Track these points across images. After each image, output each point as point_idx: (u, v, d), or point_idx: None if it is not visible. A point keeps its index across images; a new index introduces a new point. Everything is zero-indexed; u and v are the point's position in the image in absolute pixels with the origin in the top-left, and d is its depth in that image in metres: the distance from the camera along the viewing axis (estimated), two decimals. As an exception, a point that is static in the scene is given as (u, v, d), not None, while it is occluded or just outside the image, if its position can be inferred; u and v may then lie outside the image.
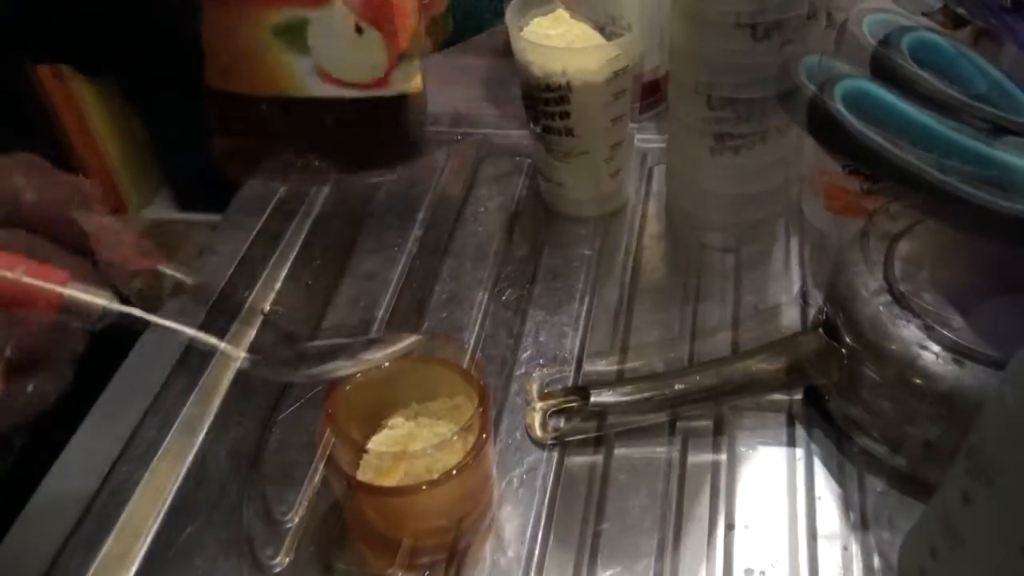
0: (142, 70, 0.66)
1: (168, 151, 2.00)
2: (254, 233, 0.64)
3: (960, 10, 0.37)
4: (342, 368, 0.45)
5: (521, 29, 0.56)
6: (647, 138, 0.67)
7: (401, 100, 0.38)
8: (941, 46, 0.30)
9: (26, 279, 0.38)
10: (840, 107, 0.27)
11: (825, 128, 0.27)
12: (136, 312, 0.41)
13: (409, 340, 0.50)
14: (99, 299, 0.40)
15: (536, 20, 0.58)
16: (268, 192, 0.67)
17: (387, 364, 0.46)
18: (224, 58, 0.36)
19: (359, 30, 0.35)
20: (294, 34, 0.35)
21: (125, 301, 0.41)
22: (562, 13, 0.58)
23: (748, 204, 0.56)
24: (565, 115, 0.56)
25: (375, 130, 0.37)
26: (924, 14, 0.39)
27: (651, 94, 0.67)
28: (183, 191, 2.11)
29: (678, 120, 0.55)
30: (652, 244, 0.61)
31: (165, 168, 2.11)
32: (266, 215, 0.66)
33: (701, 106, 0.52)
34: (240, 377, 0.54)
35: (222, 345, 0.47)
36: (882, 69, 0.29)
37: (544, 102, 0.56)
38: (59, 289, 0.39)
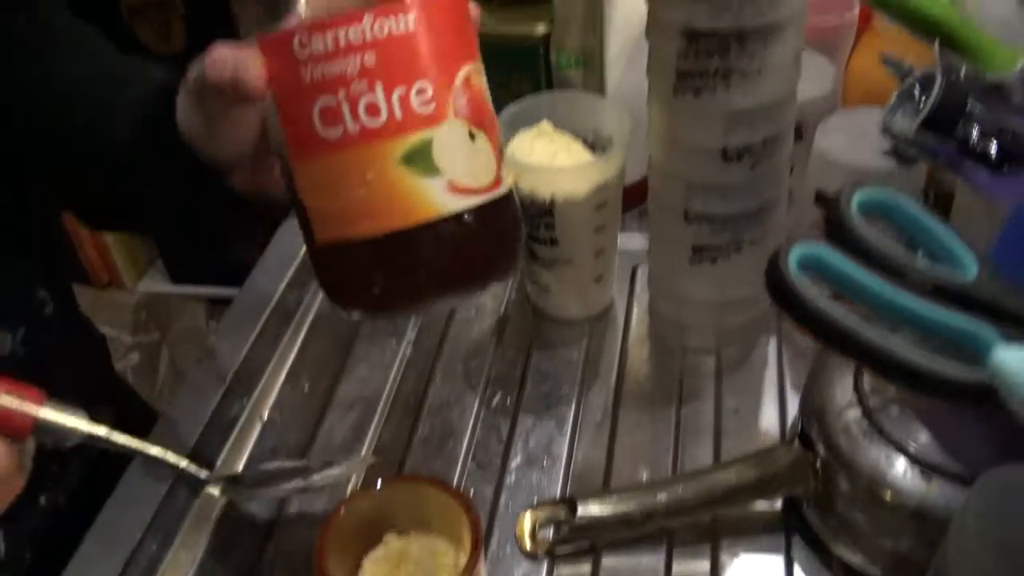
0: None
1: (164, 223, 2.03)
2: (255, 334, 0.66)
3: (911, 152, 0.39)
4: (295, 489, 0.50)
5: (506, 144, 0.59)
6: (631, 237, 0.69)
7: (511, 195, 0.39)
8: (889, 201, 0.32)
9: (3, 398, 0.39)
10: (793, 271, 0.29)
11: (778, 292, 0.29)
12: (103, 433, 0.43)
13: (361, 462, 0.53)
14: (74, 421, 0.42)
15: (521, 133, 0.60)
16: (268, 290, 0.70)
17: (380, 485, 0.47)
18: (341, 207, 0.36)
19: (472, 136, 0.36)
20: (423, 156, 0.35)
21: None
22: (546, 126, 0.60)
23: (727, 309, 0.58)
24: (549, 226, 0.58)
25: (499, 232, 0.38)
26: (885, 151, 0.42)
27: (635, 195, 0.70)
28: (176, 264, 2.14)
29: (657, 231, 0.58)
30: (637, 346, 0.63)
31: (158, 242, 2.14)
32: (265, 316, 0.68)
33: (679, 219, 0.54)
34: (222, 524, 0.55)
35: (183, 463, 0.49)
36: (835, 229, 0.31)
37: (529, 215, 0.58)
38: (36, 411, 0.40)
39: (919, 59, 0.49)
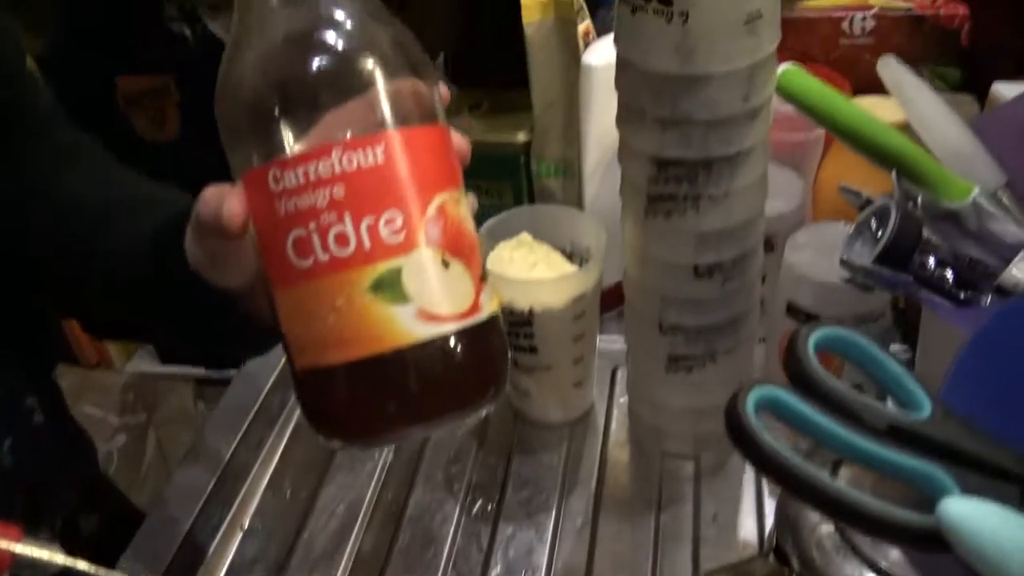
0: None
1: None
2: (237, 439, 0.67)
3: (869, 283, 0.41)
4: None
5: (487, 255, 0.61)
6: (610, 338, 0.70)
7: (492, 321, 0.38)
8: (846, 339, 0.34)
9: None
10: (750, 414, 0.30)
11: (736, 435, 0.30)
12: (82, 566, 0.42)
13: None
14: (51, 555, 0.42)
15: (502, 244, 0.62)
16: (252, 394, 0.71)
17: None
18: (314, 334, 0.36)
19: (445, 264, 0.36)
20: (391, 284, 0.35)
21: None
22: (526, 237, 0.62)
23: (704, 416, 0.59)
24: (528, 335, 0.59)
25: (477, 359, 0.38)
26: (844, 280, 0.44)
27: (614, 297, 0.71)
28: (165, 345, 2.14)
29: (634, 340, 0.59)
30: (617, 450, 0.63)
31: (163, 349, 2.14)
32: (249, 419, 0.68)
33: (654, 330, 0.56)
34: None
35: None
36: (792, 370, 0.32)
37: (508, 323, 0.60)
38: (14, 547, 0.40)
39: (883, 177, 0.51)
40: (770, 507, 0.57)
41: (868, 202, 0.44)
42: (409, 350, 0.35)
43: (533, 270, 0.61)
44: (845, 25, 0.76)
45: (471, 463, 0.63)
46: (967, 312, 0.40)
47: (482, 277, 0.39)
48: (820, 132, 0.64)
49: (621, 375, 0.69)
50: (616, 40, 0.49)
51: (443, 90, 0.40)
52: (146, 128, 1.64)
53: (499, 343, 0.40)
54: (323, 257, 0.35)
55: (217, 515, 0.62)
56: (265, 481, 0.65)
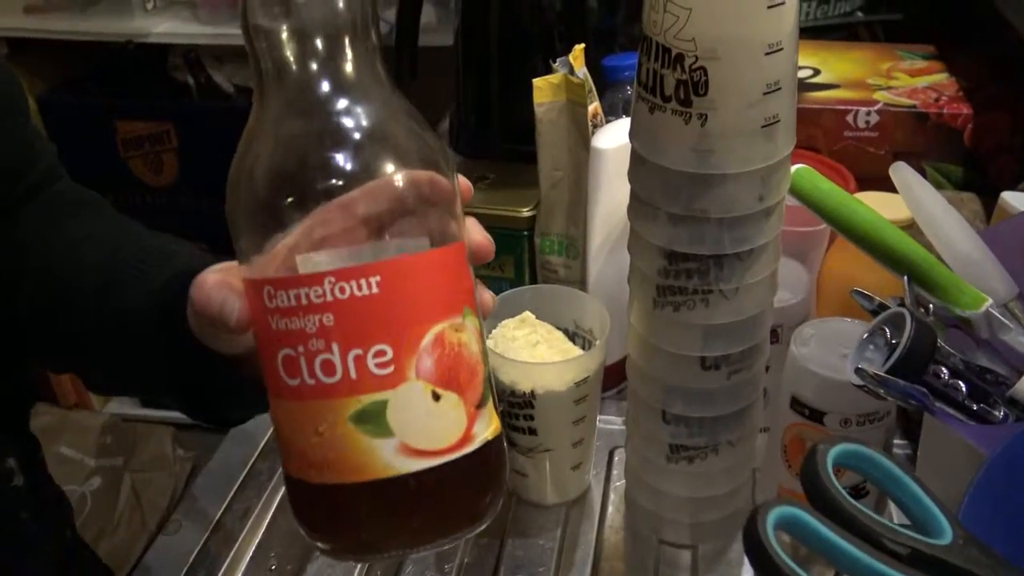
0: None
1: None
2: (223, 507, 0.65)
3: (881, 392, 0.41)
4: None
5: (489, 333, 0.60)
6: (608, 419, 0.70)
7: (486, 448, 0.37)
8: (864, 456, 0.34)
9: None
10: (770, 536, 0.30)
11: (755, 556, 0.29)
12: None
13: None
14: None
15: (505, 322, 0.62)
16: (239, 460, 0.69)
17: None
18: (299, 449, 0.36)
19: (436, 397, 0.35)
20: (374, 417, 0.34)
21: None
22: (529, 316, 0.62)
23: (704, 505, 0.59)
24: (529, 417, 0.59)
25: (462, 490, 0.37)
26: (856, 386, 0.43)
27: (614, 377, 0.71)
28: (168, 404, 2.11)
29: (635, 427, 0.59)
30: (612, 536, 0.62)
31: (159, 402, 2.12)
32: (235, 487, 0.67)
33: (656, 419, 0.55)
34: None
35: None
36: (810, 489, 0.32)
37: (509, 404, 0.59)
38: None
39: (888, 273, 0.51)
40: (768, 605, 0.56)
41: (881, 307, 0.44)
42: (388, 483, 0.35)
43: (535, 349, 0.60)
44: (849, 118, 0.78)
45: (463, 543, 0.62)
46: (987, 433, 0.40)
47: (480, 402, 0.37)
48: (826, 226, 0.64)
49: (619, 457, 0.68)
50: (632, 136, 0.49)
51: (464, 185, 0.40)
52: (144, 172, 1.65)
53: (492, 469, 0.38)
54: (309, 381, 0.35)
55: (199, 591, 0.60)
56: (251, 552, 0.63)
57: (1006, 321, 0.44)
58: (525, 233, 0.77)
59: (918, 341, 0.41)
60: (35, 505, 0.62)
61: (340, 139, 0.36)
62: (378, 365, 0.34)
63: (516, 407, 0.59)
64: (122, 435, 1.98)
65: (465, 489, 0.37)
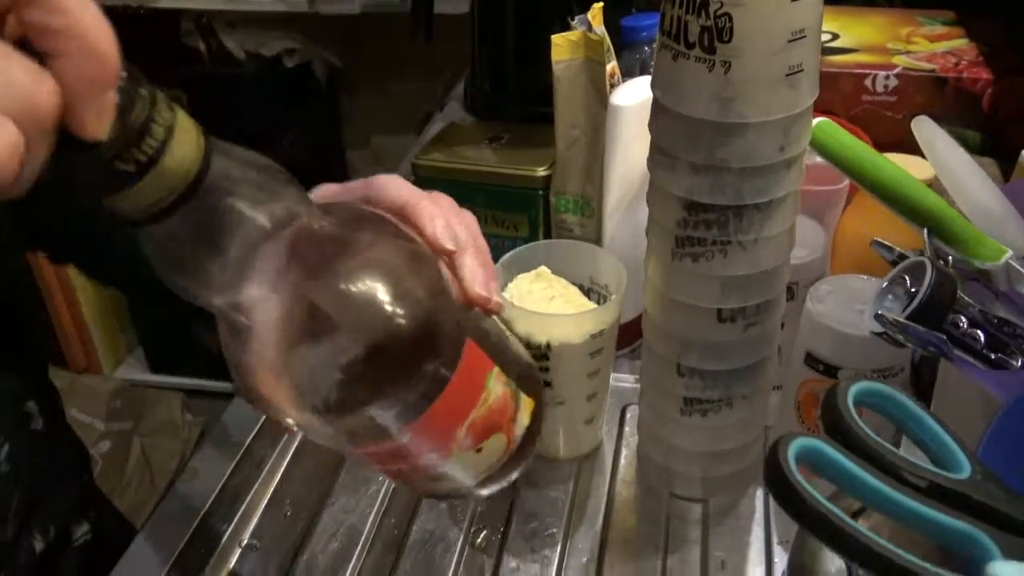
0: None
1: (143, 313, 2.03)
2: (239, 456, 0.66)
3: (900, 338, 0.41)
4: None
5: (505, 287, 0.61)
6: (621, 377, 0.70)
7: (528, 430, 0.47)
8: (884, 394, 0.34)
9: None
10: (792, 466, 0.30)
11: (776, 486, 0.30)
12: None
13: None
14: None
15: (520, 276, 0.62)
16: (251, 415, 0.70)
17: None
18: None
19: (479, 451, 0.44)
20: (435, 478, 0.46)
21: None
22: (544, 271, 0.62)
23: (716, 460, 0.59)
24: (544, 369, 0.59)
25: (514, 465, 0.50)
26: (874, 333, 0.44)
27: (628, 335, 0.71)
28: (155, 353, 2.13)
29: (649, 380, 0.59)
30: (624, 489, 0.63)
31: (139, 329, 2.13)
32: (251, 437, 0.68)
33: (672, 372, 0.56)
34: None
35: None
36: (831, 424, 0.32)
37: (525, 356, 0.59)
38: None
39: (907, 231, 0.51)
40: (779, 555, 0.57)
41: (901, 257, 0.45)
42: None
43: (551, 304, 0.61)
44: (868, 82, 0.77)
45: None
46: (999, 377, 0.40)
47: (514, 417, 0.45)
48: (844, 184, 0.64)
49: (631, 415, 0.69)
50: (654, 84, 0.49)
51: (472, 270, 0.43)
52: None
53: (534, 432, 0.48)
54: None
55: (215, 531, 0.61)
56: (265, 500, 0.64)
57: (1025, 273, 0.44)
58: (540, 192, 0.77)
59: (938, 288, 0.41)
60: (54, 448, 0.63)
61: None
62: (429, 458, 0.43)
63: (532, 358, 0.59)
64: (131, 400, 1.99)
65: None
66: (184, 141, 0.28)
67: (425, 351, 0.38)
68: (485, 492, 0.48)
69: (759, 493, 0.61)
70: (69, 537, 0.65)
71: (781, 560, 0.56)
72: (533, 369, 0.50)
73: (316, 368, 0.36)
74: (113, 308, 2.13)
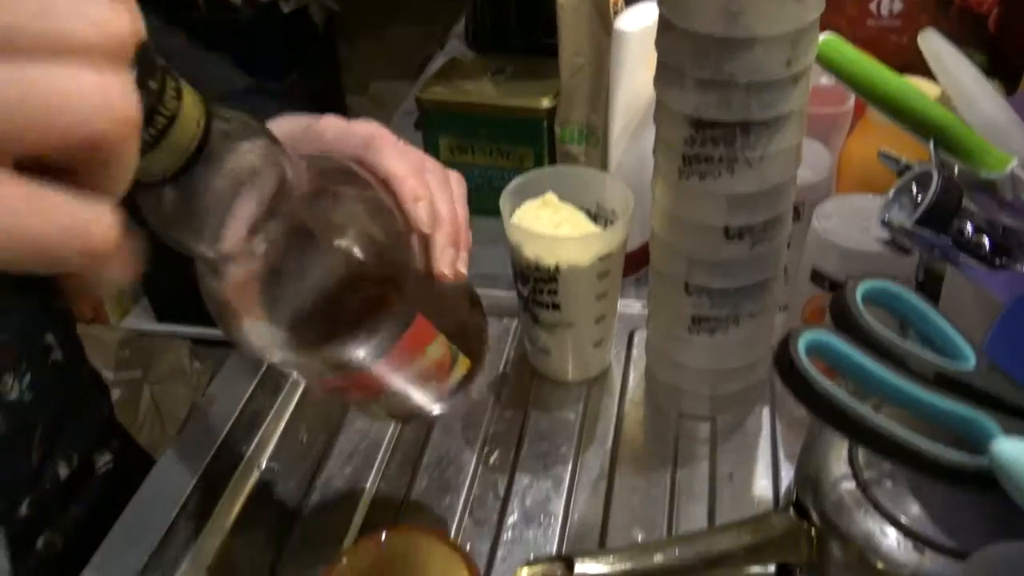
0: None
1: (149, 262, 2.04)
2: (254, 383, 0.67)
3: (908, 244, 0.42)
4: None
5: (513, 212, 0.61)
6: (629, 302, 0.71)
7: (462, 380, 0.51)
8: (892, 292, 0.35)
9: None
10: (802, 356, 0.31)
11: (789, 376, 0.31)
12: None
13: None
14: None
15: (527, 203, 0.63)
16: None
17: (382, 535, 0.49)
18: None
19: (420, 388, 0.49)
20: (369, 403, 0.50)
21: None
22: (551, 197, 0.63)
23: (723, 378, 0.60)
24: (553, 292, 0.60)
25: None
26: (882, 241, 0.44)
27: (635, 262, 0.72)
28: (161, 303, 2.14)
29: (657, 300, 0.60)
30: (633, 410, 0.64)
31: (145, 279, 2.15)
32: (266, 364, 0.69)
33: (679, 291, 0.57)
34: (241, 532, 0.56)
35: None
36: (840, 318, 0.33)
37: (533, 280, 0.60)
38: None
39: (911, 151, 0.52)
40: (785, 469, 0.58)
41: (907, 168, 0.45)
42: None
43: (558, 230, 0.61)
44: (872, 6, 0.77)
45: (488, 417, 0.64)
46: (1001, 277, 0.41)
47: (448, 372, 0.49)
48: (849, 106, 0.64)
49: (638, 339, 0.70)
50: (660, 1, 0.49)
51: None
52: None
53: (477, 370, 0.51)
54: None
55: (233, 455, 0.62)
56: (282, 425, 0.66)
57: (1029, 181, 0.44)
58: (544, 124, 0.77)
59: (945, 194, 0.41)
60: (73, 380, 0.64)
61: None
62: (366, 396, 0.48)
63: (540, 282, 0.60)
64: (139, 349, 2.01)
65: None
66: (188, 113, 0.29)
67: (378, 300, 0.41)
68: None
69: (766, 411, 0.63)
70: (92, 465, 0.66)
71: (787, 473, 0.58)
72: (482, 331, 0.54)
73: (287, 306, 0.39)
74: (117, 258, 2.14)
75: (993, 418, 0.31)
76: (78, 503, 0.63)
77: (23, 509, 0.58)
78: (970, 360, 0.33)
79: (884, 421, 0.30)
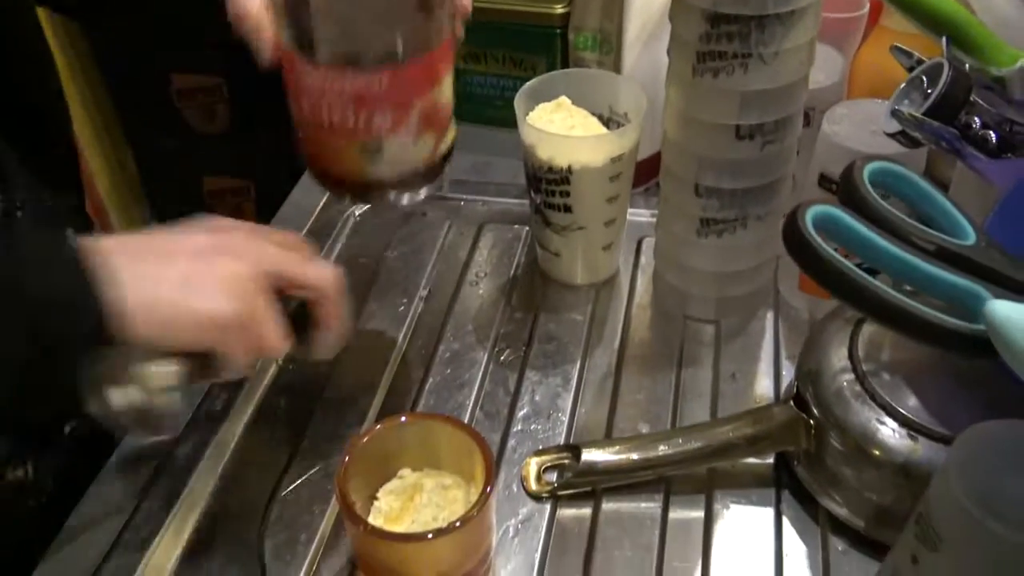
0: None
1: (157, 188, 2.04)
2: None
3: (916, 134, 0.43)
4: None
5: (526, 115, 0.62)
6: (637, 211, 0.72)
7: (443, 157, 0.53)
8: (897, 173, 0.36)
9: None
10: (810, 228, 0.32)
11: (796, 247, 0.32)
12: None
13: None
14: None
15: (541, 106, 0.63)
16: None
17: (401, 419, 0.50)
18: (316, 150, 0.52)
19: (416, 142, 0.50)
20: (372, 151, 0.50)
21: None
22: (564, 100, 0.63)
23: (729, 281, 0.62)
24: (565, 194, 0.61)
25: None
26: (889, 133, 0.45)
27: (643, 173, 0.73)
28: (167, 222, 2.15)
29: (668, 204, 0.61)
30: (640, 313, 0.66)
31: (154, 204, 2.15)
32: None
33: (689, 193, 0.58)
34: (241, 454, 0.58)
35: None
36: (847, 195, 0.34)
37: (546, 181, 0.61)
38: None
39: (928, 54, 0.52)
40: (787, 369, 0.60)
41: (919, 62, 0.46)
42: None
43: (571, 132, 0.62)
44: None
45: (499, 318, 0.66)
46: (1005, 168, 0.42)
47: (445, 130, 0.52)
48: (864, 11, 0.64)
49: (646, 246, 0.71)
50: None
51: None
52: (197, 120, 1.66)
53: (440, 171, 0.54)
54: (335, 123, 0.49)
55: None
56: (298, 324, 0.67)
57: (1039, 79, 0.45)
58: (558, 31, 0.77)
59: (954, 85, 0.42)
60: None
61: None
62: (379, 125, 0.49)
63: (552, 183, 0.61)
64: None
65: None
66: None
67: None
68: (392, 197, 0.53)
69: (769, 315, 0.64)
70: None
71: (788, 373, 0.60)
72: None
73: None
74: (128, 184, 2.14)
75: (988, 289, 0.32)
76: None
77: None
78: (970, 236, 0.34)
79: (887, 288, 0.31)
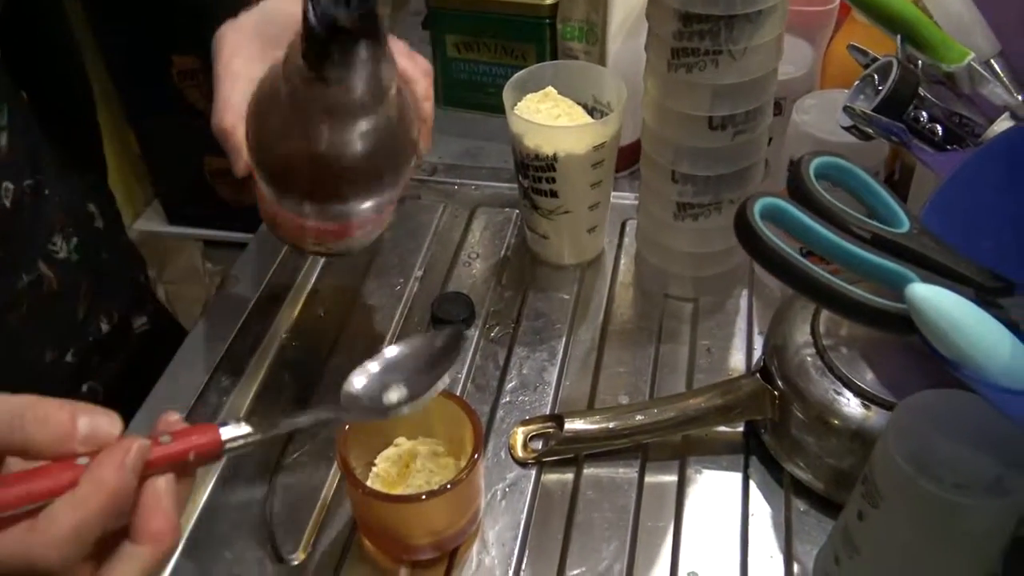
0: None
1: (160, 166, 2.07)
2: (275, 266, 0.73)
3: (868, 130, 0.46)
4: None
5: (515, 105, 0.66)
6: (621, 195, 0.76)
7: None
8: (842, 167, 0.39)
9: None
10: (757, 218, 0.36)
11: (744, 234, 0.36)
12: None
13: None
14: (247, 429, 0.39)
15: (528, 96, 0.67)
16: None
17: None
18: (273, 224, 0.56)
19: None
20: (325, 248, 0.57)
21: None
22: (551, 91, 0.67)
23: (705, 261, 0.66)
24: (551, 180, 0.65)
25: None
26: (844, 127, 0.49)
27: (627, 157, 0.76)
28: (173, 205, 2.18)
29: (647, 189, 0.65)
30: (623, 291, 0.70)
31: (157, 182, 2.18)
32: (285, 248, 0.74)
33: (667, 180, 0.61)
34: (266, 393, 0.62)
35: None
36: (794, 187, 0.38)
37: (533, 168, 0.65)
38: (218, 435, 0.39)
39: (891, 48, 0.56)
40: (759, 344, 0.64)
41: (874, 60, 0.49)
42: None
43: (557, 121, 0.66)
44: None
45: (489, 295, 0.70)
46: (947, 158, 0.45)
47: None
48: (834, 6, 0.68)
49: (630, 228, 0.75)
50: (655, -101, 0.53)
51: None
52: (198, 99, 1.69)
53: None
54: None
55: (257, 328, 0.68)
56: (301, 302, 0.71)
57: (985, 75, 0.48)
58: (547, 21, 0.80)
59: (902, 82, 0.46)
60: (113, 246, 0.71)
61: None
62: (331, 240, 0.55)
63: (539, 170, 0.65)
64: (153, 249, 2.05)
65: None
66: None
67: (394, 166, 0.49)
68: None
69: (744, 293, 0.68)
70: (130, 325, 0.73)
71: (760, 347, 0.64)
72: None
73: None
74: (130, 161, 2.17)
75: (917, 273, 0.36)
76: (117, 359, 0.70)
77: (69, 357, 0.65)
78: (905, 225, 0.38)
79: (822, 272, 0.35)
